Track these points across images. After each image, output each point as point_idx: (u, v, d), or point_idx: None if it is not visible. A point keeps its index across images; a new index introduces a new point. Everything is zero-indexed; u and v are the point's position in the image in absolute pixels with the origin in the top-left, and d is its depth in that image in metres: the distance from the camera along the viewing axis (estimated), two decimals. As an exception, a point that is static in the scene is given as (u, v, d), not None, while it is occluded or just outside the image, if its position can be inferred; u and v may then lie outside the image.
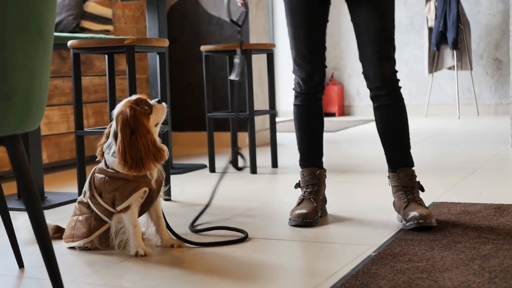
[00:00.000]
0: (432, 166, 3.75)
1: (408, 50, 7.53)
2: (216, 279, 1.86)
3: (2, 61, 1.44)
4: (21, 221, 2.25)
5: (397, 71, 2.44)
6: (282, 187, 3.46)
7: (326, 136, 2.63)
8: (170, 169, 3.54)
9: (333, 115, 7.85)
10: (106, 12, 4.54)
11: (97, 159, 2.21)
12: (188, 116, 5.26)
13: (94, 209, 2.16)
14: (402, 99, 2.46)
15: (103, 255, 2.13)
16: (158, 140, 2.15)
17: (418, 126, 6.12)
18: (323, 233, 2.35)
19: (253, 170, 3.77)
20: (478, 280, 1.72)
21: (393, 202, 2.47)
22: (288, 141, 5.24)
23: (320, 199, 2.53)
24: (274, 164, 3.98)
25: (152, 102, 2.17)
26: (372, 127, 6.25)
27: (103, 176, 2.14)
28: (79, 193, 2.50)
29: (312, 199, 2.50)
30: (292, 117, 7.89)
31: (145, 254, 2.10)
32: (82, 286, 1.85)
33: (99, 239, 2.19)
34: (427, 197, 2.62)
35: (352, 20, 2.45)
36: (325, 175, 2.60)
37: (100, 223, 2.16)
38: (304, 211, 2.44)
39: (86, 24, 4.39)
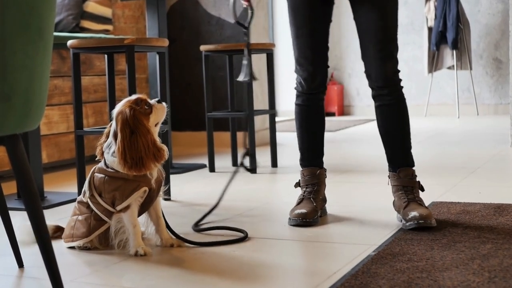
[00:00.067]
0: (432, 166, 3.75)
1: (408, 50, 7.53)
2: (216, 279, 1.87)
3: (2, 61, 1.44)
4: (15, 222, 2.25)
5: (399, 71, 2.43)
6: (282, 187, 3.46)
7: (326, 136, 2.63)
8: (170, 168, 3.54)
9: (333, 115, 7.85)
10: (106, 12, 4.54)
11: (96, 159, 2.21)
12: (188, 116, 5.26)
13: (94, 208, 2.16)
14: (404, 98, 2.46)
15: (103, 255, 2.13)
16: (158, 140, 2.15)
17: (418, 126, 6.12)
18: (323, 232, 2.35)
19: (253, 171, 3.77)
20: (477, 280, 1.72)
21: (393, 202, 2.47)
22: (288, 141, 5.24)
23: (320, 199, 2.53)
24: (274, 164, 3.98)
25: (152, 102, 2.17)
26: (372, 127, 6.25)
27: (102, 175, 2.14)
28: (79, 193, 2.50)
29: (312, 198, 2.50)
30: (292, 116, 7.84)
31: (145, 253, 2.10)
32: (82, 285, 1.85)
33: (99, 238, 2.19)
34: (427, 197, 2.62)
35: (355, 19, 2.44)
36: (325, 175, 2.60)
37: (100, 223, 2.16)
38: (303, 210, 2.44)
39: (85, 24, 4.39)
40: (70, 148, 4.21)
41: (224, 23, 5.11)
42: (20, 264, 2.03)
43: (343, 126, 6.44)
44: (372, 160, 4.15)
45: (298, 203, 2.51)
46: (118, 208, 2.12)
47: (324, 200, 2.57)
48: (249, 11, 2.66)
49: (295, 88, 2.57)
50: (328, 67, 2.53)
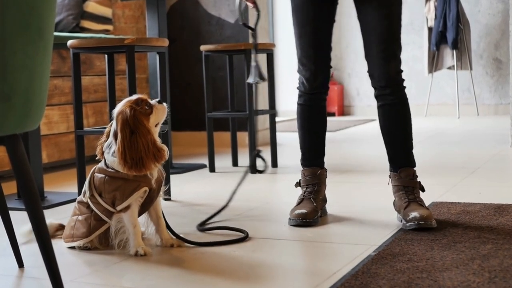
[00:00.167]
0: (432, 166, 3.75)
1: (408, 50, 7.52)
2: (216, 279, 1.87)
3: (2, 61, 1.44)
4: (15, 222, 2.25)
5: (402, 71, 2.43)
6: (282, 187, 3.46)
7: (326, 136, 2.63)
8: (170, 168, 3.54)
9: (333, 115, 7.85)
10: (106, 12, 4.54)
11: (97, 158, 2.21)
12: (188, 116, 5.26)
13: (94, 209, 2.16)
14: (406, 98, 2.46)
15: (103, 255, 2.13)
16: (158, 140, 2.15)
17: (418, 126, 6.12)
18: (323, 233, 2.35)
19: (253, 171, 3.77)
20: (478, 280, 1.72)
21: (394, 202, 2.47)
22: (288, 141, 5.24)
23: (320, 199, 2.53)
24: (274, 164, 3.98)
25: (153, 102, 2.17)
26: (372, 127, 6.25)
27: (103, 175, 2.14)
28: (79, 193, 2.50)
29: (312, 199, 2.50)
30: (292, 116, 7.83)
31: (145, 253, 2.10)
32: (82, 286, 1.85)
33: (99, 239, 2.19)
34: (427, 197, 2.62)
35: (359, 18, 2.44)
36: (326, 175, 2.60)
37: (100, 223, 2.16)
38: (304, 211, 2.44)
39: (86, 24, 4.39)
40: (70, 148, 4.21)
41: (224, 23, 5.11)
42: (20, 264, 2.03)
43: (343, 126, 6.44)
44: (372, 160, 4.15)
45: (298, 203, 2.51)
46: (118, 208, 2.12)
47: (324, 200, 2.57)
48: (255, 13, 2.65)
49: (297, 88, 2.57)
50: (331, 67, 2.53)
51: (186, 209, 2.87)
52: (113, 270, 1.99)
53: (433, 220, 2.29)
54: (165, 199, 3.00)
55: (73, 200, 2.71)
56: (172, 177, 3.53)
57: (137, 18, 5.17)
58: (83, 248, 2.18)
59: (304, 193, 2.54)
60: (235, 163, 4.07)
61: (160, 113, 2.17)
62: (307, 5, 2.45)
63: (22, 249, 2.06)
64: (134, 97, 2.15)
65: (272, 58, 4.06)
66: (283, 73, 7.84)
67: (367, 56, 2.43)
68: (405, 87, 2.45)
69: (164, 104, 2.20)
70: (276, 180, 3.66)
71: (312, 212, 2.44)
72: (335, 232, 2.37)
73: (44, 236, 1.55)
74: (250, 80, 2.64)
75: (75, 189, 3.21)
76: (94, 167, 2.20)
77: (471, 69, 7.05)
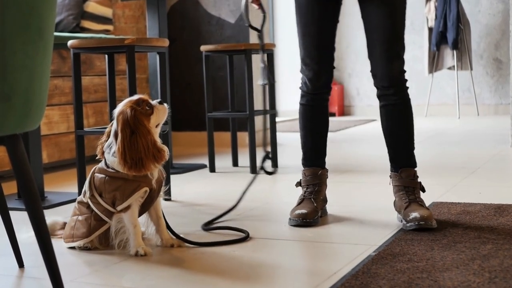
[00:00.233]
0: (432, 166, 3.75)
1: (408, 50, 7.51)
2: (216, 279, 1.86)
3: (2, 61, 1.44)
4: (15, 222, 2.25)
5: (405, 71, 2.43)
6: (282, 187, 3.46)
7: (326, 136, 2.63)
8: (170, 169, 3.54)
9: (333, 115, 7.85)
10: (106, 12, 4.54)
11: (97, 158, 2.21)
12: (188, 116, 5.26)
13: (94, 209, 2.16)
14: (409, 99, 2.45)
15: (103, 255, 2.13)
16: (158, 140, 2.15)
17: (418, 126, 6.07)
18: (323, 233, 2.35)
19: (253, 170, 3.77)
20: (478, 280, 1.72)
21: (394, 202, 2.47)
22: (288, 141, 5.24)
23: (321, 199, 2.53)
24: (274, 164, 3.98)
25: (154, 102, 2.17)
26: (372, 127, 6.25)
27: (103, 176, 2.14)
28: (79, 193, 2.50)
29: (312, 199, 2.50)
30: (292, 116, 7.81)
31: (145, 253, 2.10)
32: (82, 286, 1.85)
33: (99, 239, 2.19)
34: (427, 197, 2.62)
35: (363, 17, 2.44)
36: (327, 175, 2.60)
37: (100, 223, 2.16)
38: (304, 211, 2.43)
39: (86, 24, 4.39)
40: (71, 148, 4.21)
41: (224, 23, 5.11)
42: (21, 264, 2.03)
43: (343, 126, 6.44)
44: (372, 160, 4.15)
45: (299, 203, 2.51)
46: (119, 208, 2.12)
47: (324, 201, 2.57)
48: (261, 14, 2.65)
49: (300, 88, 2.57)
50: (334, 67, 2.52)
51: (186, 209, 2.87)
52: (113, 270, 1.99)
53: (434, 220, 2.29)
54: (166, 199, 3.00)
55: (73, 200, 2.71)
56: (173, 177, 3.53)
57: (138, 18, 5.17)
58: (83, 248, 2.18)
59: (305, 193, 2.54)
60: (235, 163, 4.07)
61: (161, 114, 2.17)
62: (312, 5, 2.44)
63: (22, 249, 2.06)
64: (135, 97, 2.15)
65: (272, 58, 4.06)
66: (283, 73, 7.84)
67: (370, 56, 2.43)
68: (408, 88, 2.45)
69: (165, 104, 2.20)
70: (277, 180, 3.66)
71: (312, 212, 2.44)
72: (335, 232, 2.36)
73: (44, 236, 1.55)
74: (260, 82, 2.64)
75: (75, 189, 3.21)
76: (94, 167, 2.20)
77: (471, 69, 7.05)
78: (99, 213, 2.15)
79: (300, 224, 2.42)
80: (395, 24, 2.37)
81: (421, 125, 6.27)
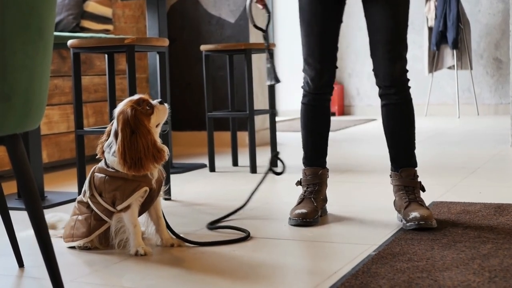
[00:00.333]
0: (432, 166, 3.75)
1: (408, 49, 7.52)
2: (216, 279, 1.86)
3: (2, 61, 1.44)
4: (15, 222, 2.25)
5: (407, 71, 2.43)
6: (282, 187, 3.46)
7: (326, 135, 2.62)
8: (170, 168, 3.54)
9: (333, 114, 7.85)
10: (106, 11, 4.54)
11: (97, 157, 2.21)
12: (188, 115, 5.26)
13: (94, 208, 2.16)
14: (411, 99, 2.45)
15: (103, 255, 2.13)
16: (158, 140, 2.15)
17: (418, 126, 6.04)
18: (323, 232, 2.35)
19: (253, 170, 3.77)
20: (478, 280, 1.72)
21: (394, 201, 2.47)
22: (288, 141, 5.24)
23: (321, 199, 2.53)
24: (274, 164, 3.97)
25: (154, 102, 2.17)
26: (372, 127, 6.25)
27: (103, 175, 2.14)
28: (79, 193, 2.50)
29: (312, 198, 2.50)
30: (292, 116, 7.79)
31: (145, 253, 2.10)
32: (82, 285, 1.85)
33: (99, 238, 2.19)
34: (427, 197, 2.62)
35: (366, 16, 2.44)
36: (328, 174, 2.60)
37: (100, 223, 2.16)
38: (304, 210, 2.43)
39: (86, 23, 4.39)
40: (71, 148, 4.21)
41: (224, 23, 5.11)
42: (21, 264, 2.03)
43: (343, 126, 6.44)
44: (372, 160, 4.15)
45: (299, 203, 2.51)
46: (119, 208, 2.12)
47: (325, 200, 2.57)
48: (266, 14, 2.65)
49: (302, 87, 2.57)
50: (336, 67, 2.52)
51: (186, 209, 2.87)
52: (113, 270, 1.99)
53: (433, 220, 2.29)
54: (165, 199, 3.00)
55: (73, 200, 2.71)
56: (172, 177, 3.53)
57: (137, 18, 5.17)
58: (83, 248, 2.18)
59: (305, 192, 2.54)
60: (235, 163, 4.07)
61: (161, 114, 2.17)
62: (315, 4, 2.44)
63: (22, 249, 2.06)
64: (136, 97, 2.15)
65: (272, 58, 4.05)
66: (283, 73, 7.83)
67: (373, 55, 2.43)
68: (409, 87, 2.45)
69: (166, 104, 2.20)
70: (277, 180, 3.65)
71: (312, 212, 2.44)
72: (335, 232, 2.37)
73: (44, 236, 1.55)
74: (268, 82, 2.64)
75: (75, 189, 3.21)
76: (94, 167, 2.20)
77: (471, 68, 7.05)
78: (99, 212, 2.15)
79: (300, 224, 2.42)
80: (398, 25, 2.37)
81: (421, 125, 6.23)
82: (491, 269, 1.80)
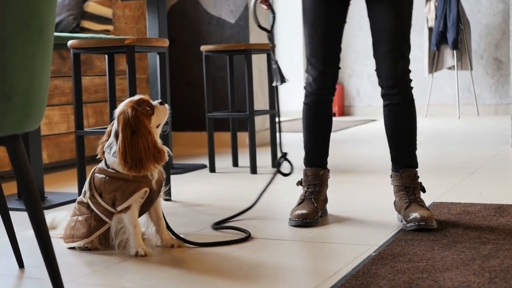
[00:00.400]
0: (432, 166, 3.75)
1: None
2: (216, 279, 1.86)
3: (2, 61, 1.44)
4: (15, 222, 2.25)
5: (410, 71, 2.43)
6: (282, 187, 3.46)
7: (327, 136, 2.62)
8: (170, 169, 3.53)
9: (333, 115, 7.86)
10: (106, 12, 4.54)
11: (98, 157, 2.21)
12: (188, 116, 5.26)
13: (94, 209, 2.16)
14: (413, 99, 2.45)
15: (103, 255, 2.13)
16: (159, 141, 2.15)
17: (418, 126, 6.09)
18: (323, 233, 2.35)
19: (253, 170, 3.77)
20: (478, 280, 1.72)
21: (394, 202, 2.46)
22: (289, 141, 5.23)
23: (321, 199, 2.53)
24: (274, 164, 3.98)
25: (155, 103, 2.17)
26: (372, 127, 6.25)
27: (103, 176, 2.14)
28: (79, 193, 2.50)
29: (313, 199, 2.50)
30: (292, 116, 7.79)
31: (145, 254, 2.10)
32: (82, 286, 1.85)
33: (99, 239, 2.19)
34: (427, 197, 2.62)
35: (369, 16, 2.43)
36: (329, 175, 2.60)
37: (100, 223, 2.16)
38: (304, 211, 2.43)
39: (86, 24, 4.39)
40: (71, 149, 4.21)
41: (225, 23, 5.11)
42: (21, 264, 2.03)
43: (343, 126, 6.44)
44: (373, 160, 4.15)
45: (299, 204, 2.51)
46: (119, 208, 2.12)
47: (325, 201, 2.57)
48: (271, 15, 2.65)
49: (304, 88, 2.57)
50: (339, 68, 2.52)
51: (186, 209, 2.87)
52: (113, 270, 1.98)
53: (434, 221, 2.29)
54: (166, 200, 3.00)
55: (73, 201, 2.71)
56: (173, 177, 3.53)
57: (138, 18, 5.17)
58: (83, 249, 2.18)
59: (305, 193, 2.54)
60: (235, 163, 4.07)
61: (162, 115, 2.17)
62: (319, 5, 2.44)
63: (22, 249, 2.06)
64: (136, 97, 2.15)
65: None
66: (283, 73, 7.83)
67: (376, 55, 2.43)
68: (412, 88, 2.44)
69: (166, 105, 2.19)
70: (277, 180, 3.65)
71: (312, 213, 2.44)
72: (335, 233, 2.36)
73: (44, 236, 1.55)
74: (275, 83, 2.64)
75: (75, 190, 3.21)
76: (95, 167, 2.20)
77: (471, 69, 7.05)
78: (99, 213, 2.15)
79: (300, 225, 2.42)
80: (401, 25, 2.37)
81: (421, 125, 6.22)
82: (491, 270, 1.80)
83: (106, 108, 4.45)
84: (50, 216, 2.44)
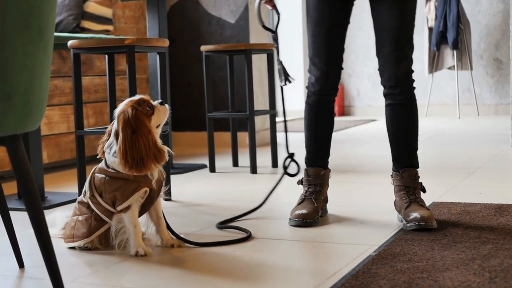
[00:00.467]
0: (432, 166, 3.75)
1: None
2: (216, 279, 1.86)
3: (2, 61, 1.44)
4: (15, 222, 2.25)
5: (413, 71, 2.42)
6: (282, 187, 3.45)
7: (328, 136, 2.62)
8: (170, 169, 3.54)
9: (333, 115, 7.85)
10: (106, 12, 4.54)
11: (98, 156, 2.21)
12: (188, 116, 5.26)
13: (94, 209, 2.16)
14: (415, 99, 2.45)
15: (103, 255, 2.13)
16: (159, 141, 2.15)
17: (419, 126, 6.11)
18: (323, 233, 2.35)
19: (253, 170, 3.77)
20: (478, 280, 1.72)
21: (394, 202, 2.46)
22: (290, 141, 5.22)
23: (322, 199, 2.53)
24: (274, 164, 3.98)
25: (155, 103, 2.17)
26: (372, 127, 6.25)
27: (103, 176, 2.14)
28: (79, 193, 2.50)
29: (313, 199, 2.50)
30: (292, 117, 7.78)
31: (145, 254, 2.10)
32: (82, 286, 1.85)
33: (99, 239, 2.19)
34: (427, 197, 2.62)
35: (373, 15, 2.43)
36: (329, 175, 2.60)
37: (100, 223, 2.16)
38: (304, 211, 2.43)
39: (86, 24, 4.39)
40: (71, 149, 4.21)
41: (225, 23, 5.11)
42: (21, 264, 2.03)
43: (343, 126, 6.44)
44: (373, 160, 4.15)
45: (299, 203, 2.51)
46: (119, 208, 2.12)
47: (325, 201, 2.57)
48: (275, 15, 2.65)
49: (307, 87, 2.57)
50: (342, 68, 2.52)
51: (186, 209, 2.87)
52: (114, 270, 1.99)
53: (434, 220, 2.29)
54: (166, 200, 3.00)
55: (74, 201, 2.71)
56: (173, 177, 3.53)
57: (138, 18, 5.17)
58: (84, 248, 2.18)
59: (306, 193, 2.54)
60: (235, 163, 4.07)
61: (162, 115, 2.17)
62: (323, 5, 2.44)
63: (22, 249, 2.06)
64: (136, 97, 2.15)
65: (272, 59, 4.06)
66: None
67: (378, 55, 2.43)
68: (414, 88, 2.44)
69: (166, 105, 2.19)
70: (276, 180, 3.65)
71: (312, 213, 2.44)
72: (335, 232, 2.36)
73: (44, 236, 1.55)
74: (281, 83, 2.64)
75: (75, 190, 3.21)
76: (95, 167, 2.20)
77: (471, 69, 7.05)
78: (99, 213, 2.15)
79: (300, 225, 2.42)
80: (405, 25, 2.37)
81: (421, 125, 6.20)
82: (491, 270, 1.80)
83: (106, 108, 4.45)
84: (51, 216, 2.44)
